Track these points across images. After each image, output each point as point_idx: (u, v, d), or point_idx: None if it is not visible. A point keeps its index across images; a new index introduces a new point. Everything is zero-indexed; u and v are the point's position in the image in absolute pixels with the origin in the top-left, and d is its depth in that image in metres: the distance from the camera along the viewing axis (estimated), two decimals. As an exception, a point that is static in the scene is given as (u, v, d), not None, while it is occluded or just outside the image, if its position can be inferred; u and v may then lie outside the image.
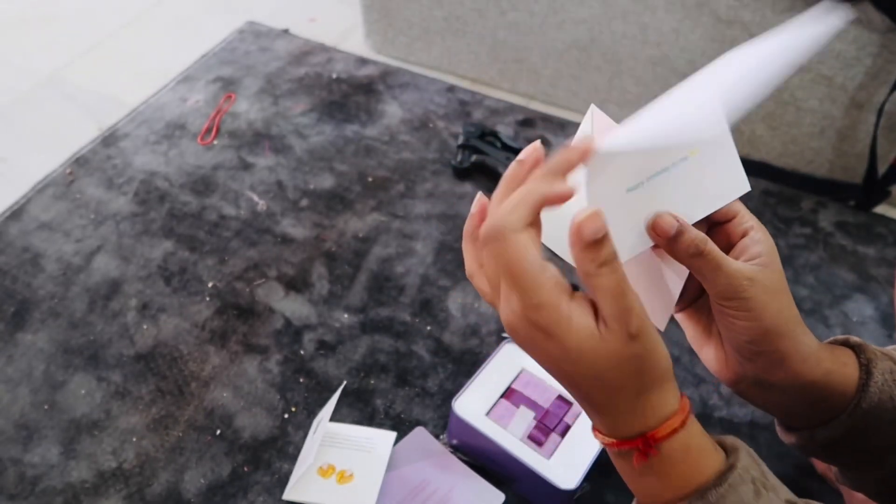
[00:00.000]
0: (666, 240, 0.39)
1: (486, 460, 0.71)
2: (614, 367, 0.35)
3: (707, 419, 0.78)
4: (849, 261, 0.96)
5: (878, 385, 0.41)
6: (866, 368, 0.41)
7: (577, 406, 0.70)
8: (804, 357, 0.40)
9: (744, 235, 0.42)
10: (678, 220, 0.39)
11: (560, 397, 0.71)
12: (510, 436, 0.68)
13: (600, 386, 0.36)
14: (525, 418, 0.69)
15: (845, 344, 0.44)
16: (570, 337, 0.35)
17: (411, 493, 0.70)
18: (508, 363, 0.73)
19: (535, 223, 0.36)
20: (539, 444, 0.67)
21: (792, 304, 0.41)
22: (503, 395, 0.71)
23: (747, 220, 0.42)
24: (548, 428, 0.68)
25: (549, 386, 0.72)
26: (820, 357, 0.41)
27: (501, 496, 0.71)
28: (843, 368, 0.41)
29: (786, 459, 0.75)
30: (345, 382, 0.80)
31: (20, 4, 1.43)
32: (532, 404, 0.70)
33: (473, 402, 0.70)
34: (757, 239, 0.41)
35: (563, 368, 0.36)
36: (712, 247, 0.39)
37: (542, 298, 0.35)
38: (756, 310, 0.39)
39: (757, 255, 0.40)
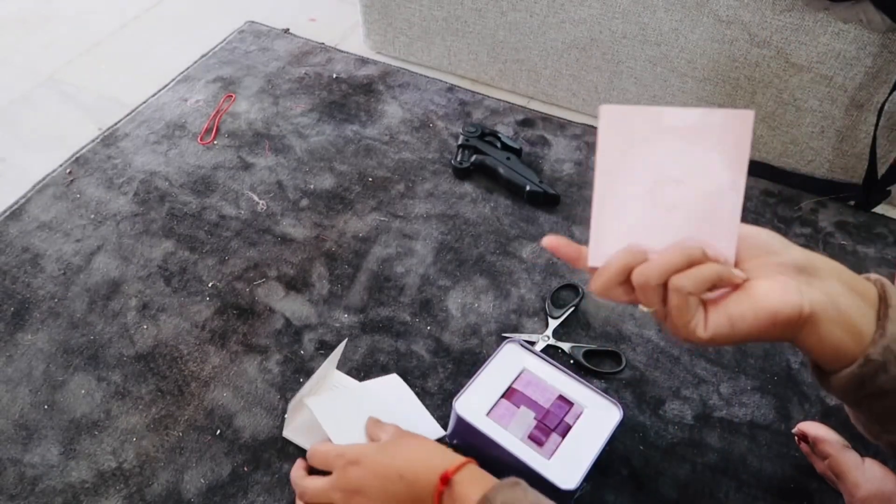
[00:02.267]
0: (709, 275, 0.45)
1: (486, 460, 0.71)
2: (392, 455, 0.61)
3: (707, 419, 0.79)
4: (849, 261, 0.96)
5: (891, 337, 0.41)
6: (885, 301, 0.43)
7: (577, 406, 0.70)
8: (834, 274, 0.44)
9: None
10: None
11: (561, 397, 0.71)
12: (510, 435, 0.68)
13: (395, 477, 0.59)
14: (525, 418, 0.69)
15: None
16: (364, 453, 0.63)
17: None
18: (509, 363, 0.73)
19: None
20: (539, 444, 0.67)
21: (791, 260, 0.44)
22: (504, 395, 0.71)
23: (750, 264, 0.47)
24: (548, 428, 0.68)
25: (549, 386, 0.71)
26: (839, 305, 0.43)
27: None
28: (860, 296, 0.43)
29: (786, 459, 0.75)
30: (346, 339, 0.81)
31: (20, 4, 1.43)
32: (532, 404, 0.70)
33: (474, 402, 0.70)
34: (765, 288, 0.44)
35: (372, 482, 0.60)
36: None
37: (340, 448, 0.65)
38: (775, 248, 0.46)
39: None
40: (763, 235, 0.46)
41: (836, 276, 0.44)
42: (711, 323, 0.44)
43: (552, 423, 0.69)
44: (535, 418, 0.69)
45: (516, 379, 0.72)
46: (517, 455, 0.66)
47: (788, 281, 0.43)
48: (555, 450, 0.67)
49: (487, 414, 0.69)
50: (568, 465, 0.65)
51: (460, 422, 0.69)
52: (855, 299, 0.43)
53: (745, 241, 0.46)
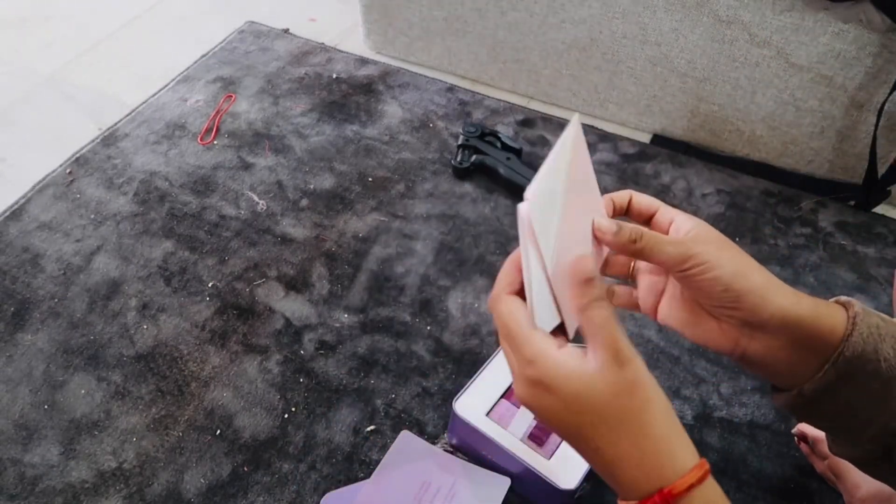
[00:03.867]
0: (610, 235, 0.43)
1: (486, 460, 0.71)
2: (612, 398, 0.37)
3: (707, 419, 0.78)
4: (849, 261, 0.96)
5: (863, 336, 0.41)
6: (853, 320, 0.42)
7: None
8: (783, 290, 0.42)
9: (670, 224, 0.45)
10: (614, 221, 0.44)
11: None
12: (510, 436, 0.68)
13: (606, 429, 0.37)
14: (525, 418, 0.69)
15: (837, 302, 0.45)
16: (566, 382, 0.37)
17: (416, 498, 0.70)
18: None
19: (520, 292, 0.41)
20: (539, 444, 0.67)
21: (746, 255, 0.43)
22: (503, 396, 0.71)
23: (669, 211, 0.46)
24: None
25: None
26: (801, 296, 0.43)
27: (507, 480, 0.71)
28: (830, 313, 0.42)
29: (786, 459, 0.75)
30: (578, 115, 0.67)
31: (20, 4, 1.43)
32: None
33: (474, 403, 0.70)
34: (682, 220, 0.44)
35: (568, 422, 0.38)
36: (648, 231, 0.43)
37: (534, 350, 0.38)
38: (712, 260, 0.41)
39: (689, 229, 0.43)
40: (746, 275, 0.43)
41: (786, 332, 0.42)
42: (661, 316, 0.46)
43: None
44: (534, 418, 0.69)
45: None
46: (517, 455, 0.66)
47: (730, 329, 0.43)
48: (554, 450, 0.67)
49: (487, 414, 0.69)
50: (568, 464, 0.65)
51: (460, 422, 0.69)
52: (798, 353, 0.43)
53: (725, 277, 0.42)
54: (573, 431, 0.39)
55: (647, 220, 0.47)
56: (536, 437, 0.68)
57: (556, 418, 0.38)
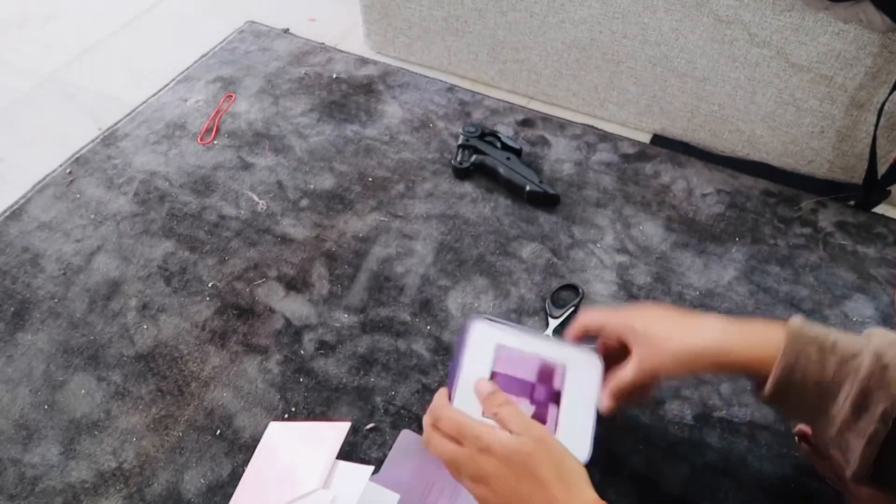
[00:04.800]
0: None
1: None
2: (527, 459, 0.51)
3: (707, 419, 0.78)
4: (849, 261, 0.96)
5: (790, 364, 0.50)
6: (782, 350, 0.51)
7: (559, 367, 0.68)
8: (707, 340, 0.56)
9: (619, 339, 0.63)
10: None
11: (542, 364, 0.68)
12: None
13: (531, 482, 0.51)
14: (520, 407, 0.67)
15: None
16: (495, 444, 0.52)
17: (420, 498, 0.70)
18: (483, 346, 0.68)
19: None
20: (542, 423, 0.64)
21: (675, 320, 0.60)
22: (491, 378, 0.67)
23: (610, 332, 0.64)
24: (543, 403, 0.66)
25: (528, 355, 0.68)
26: (729, 332, 0.56)
27: None
28: (761, 344, 0.53)
29: (785, 459, 0.75)
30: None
31: (20, 4, 1.43)
32: (521, 386, 0.66)
33: (468, 407, 0.65)
34: (628, 337, 0.61)
35: (496, 477, 0.52)
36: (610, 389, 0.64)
37: (477, 429, 0.54)
38: (662, 368, 0.59)
39: (632, 342, 0.61)
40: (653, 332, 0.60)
41: (725, 369, 0.56)
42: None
43: (544, 397, 0.66)
44: (529, 402, 0.66)
45: (496, 361, 0.68)
46: None
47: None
48: (556, 425, 0.64)
49: (484, 415, 0.68)
50: (574, 434, 0.63)
51: None
52: (746, 374, 0.55)
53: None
54: (508, 488, 0.52)
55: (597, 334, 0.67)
56: (538, 419, 0.65)
57: (500, 472, 0.52)
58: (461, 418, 0.56)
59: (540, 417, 0.65)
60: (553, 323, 0.86)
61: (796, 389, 0.50)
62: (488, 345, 0.69)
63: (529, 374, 0.68)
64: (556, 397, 0.66)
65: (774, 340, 0.51)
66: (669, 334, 0.58)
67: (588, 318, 0.66)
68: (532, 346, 0.69)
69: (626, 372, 0.60)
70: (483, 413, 0.60)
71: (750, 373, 0.54)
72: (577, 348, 0.69)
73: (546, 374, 0.67)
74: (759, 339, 0.53)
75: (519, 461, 0.51)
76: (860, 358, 0.48)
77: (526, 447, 0.52)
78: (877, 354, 0.47)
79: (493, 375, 0.68)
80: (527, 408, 0.66)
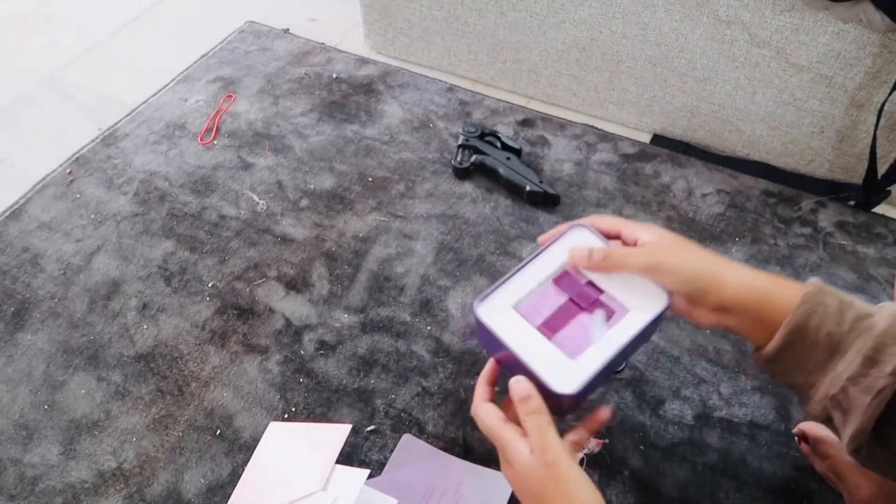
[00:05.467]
0: (584, 261, 0.56)
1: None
2: (537, 483, 0.50)
3: (707, 419, 0.78)
4: (849, 261, 0.96)
5: (808, 311, 0.49)
6: (803, 297, 0.49)
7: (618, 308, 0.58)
8: (739, 276, 0.52)
9: (636, 240, 0.56)
10: (585, 248, 0.57)
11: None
12: (526, 325, 0.56)
13: (533, 501, 0.51)
14: (551, 305, 0.58)
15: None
16: (518, 462, 0.51)
17: (420, 503, 0.70)
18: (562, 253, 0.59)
19: (492, 398, 0.57)
20: (552, 332, 0.56)
21: (703, 251, 0.54)
22: (538, 288, 0.58)
23: (632, 229, 0.57)
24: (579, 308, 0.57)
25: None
26: (757, 278, 0.52)
27: None
28: (782, 293, 0.51)
29: (785, 459, 0.75)
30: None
31: (20, 4, 1.43)
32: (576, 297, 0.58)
33: (499, 299, 0.57)
34: (645, 235, 0.56)
35: (516, 486, 0.53)
36: (615, 249, 0.56)
37: (502, 440, 0.53)
38: (671, 265, 0.53)
39: (651, 241, 0.55)
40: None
41: (745, 311, 0.52)
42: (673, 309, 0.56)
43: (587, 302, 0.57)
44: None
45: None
46: (515, 349, 0.55)
47: (708, 313, 0.54)
48: (569, 345, 0.55)
49: (515, 306, 0.57)
50: (577, 365, 0.54)
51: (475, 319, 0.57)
52: (757, 324, 0.52)
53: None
54: (519, 493, 0.53)
55: (616, 237, 0.59)
56: (547, 327, 0.56)
57: (518, 485, 0.53)
58: (489, 423, 0.54)
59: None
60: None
61: (808, 339, 0.49)
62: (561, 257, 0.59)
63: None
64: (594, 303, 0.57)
65: (795, 288, 0.50)
66: (694, 251, 0.54)
67: (605, 220, 0.59)
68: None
69: (634, 253, 0.55)
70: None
71: (761, 317, 0.50)
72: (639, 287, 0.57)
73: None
74: (780, 283, 0.52)
75: (531, 487, 0.51)
76: (876, 317, 0.48)
77: (537, 473, 0.50)
78: (893, 315, 0.48)
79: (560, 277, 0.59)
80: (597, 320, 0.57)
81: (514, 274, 0.58)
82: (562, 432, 0.52)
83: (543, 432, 0.51)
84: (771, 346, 0.50)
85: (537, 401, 0.52)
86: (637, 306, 0.57)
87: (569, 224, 0.60)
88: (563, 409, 0.55)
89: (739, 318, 0.52)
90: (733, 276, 0.52)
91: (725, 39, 1.00)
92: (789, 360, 0.50)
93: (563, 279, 0.59)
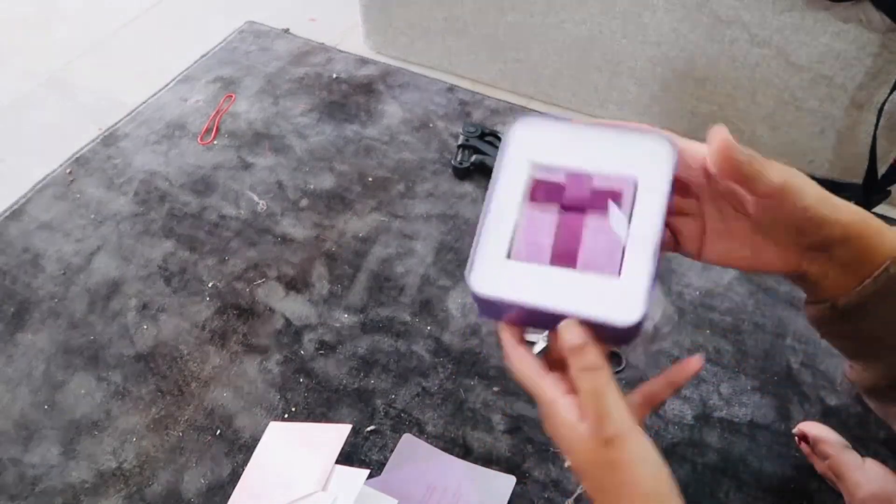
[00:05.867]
0: (735, 153, 0.41)
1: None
2: (591, 467, 0.39)
3: (707, 419, 0.78)
4: (849, 261, 0.96)
5: None
6: None
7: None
8: (847, 207, 0.43)
9: None
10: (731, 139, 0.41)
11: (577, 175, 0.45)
12: (536, 267, 0.43)
13: (588, 486, 0.40)
14: (547, 236, 0.45)
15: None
16: (559, 430, 0.40)
17: (422, 502, 0.70)
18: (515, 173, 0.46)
19: (523, 338, 0.44)
20: (570, 262, 0.43)
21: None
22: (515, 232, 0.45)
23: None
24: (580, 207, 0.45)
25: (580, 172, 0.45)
26: (858, 212, 0.43)
27: (512, 479, 0.71)
28: (880, 230, 0.42)
29: (785, 459, 0.75)
30: None
31: (20, 4, 1.43)
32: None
33: (487, 258, 0.44)
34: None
35: (564, 451, 0.41)
36: (758, 155, 0.42)
37: (541, 397, 0.41)
38: (805, 187, 0.42)
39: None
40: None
41: (845, 250, 0.42)
42: (708, 254, 0.46)
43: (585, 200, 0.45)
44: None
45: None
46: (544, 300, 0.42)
47: (792, 254, 0.44)
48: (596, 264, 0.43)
49: (508, 257, 0.44)
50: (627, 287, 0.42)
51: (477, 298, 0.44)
52: (846, 268, 0.42)
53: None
54: (574, 466, 0.41)
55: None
56: (562, 255, 0.43)
57: (566, 451, 0.41)
58: (526, 374, 0.42)
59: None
60: (553, 323, 0.85)
61: None
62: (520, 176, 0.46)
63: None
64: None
65: (889, 235, 0.42)
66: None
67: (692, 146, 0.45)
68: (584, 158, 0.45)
69: (774, 164, 0.43)
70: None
71: (866, 251, 0.41)
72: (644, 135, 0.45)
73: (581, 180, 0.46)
74: (876, 228, 0.43)
75: (580, 464, 0.40)
76: None
77: (590, 451, 0.38)
78: None
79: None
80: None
81: (485, 219, 0.45)
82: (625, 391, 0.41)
83: (601, 396, 0.38)
84: (854, 296, 0.41)
85: (593, 353, 0.39)
86: (640, 167, 0.43)
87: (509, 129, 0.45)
88: (628, 340, 0.43)
89: (833, 259, 0.42)
90: (844, 206, 0.43)
91: (725, 39, 1.00)
92: (874, 313, 0.41)
93: (537, 190, 0.45)
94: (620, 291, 0.40)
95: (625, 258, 0.41)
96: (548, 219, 0.44)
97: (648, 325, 0.44)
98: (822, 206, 0.42)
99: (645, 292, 0.40)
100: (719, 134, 0.41)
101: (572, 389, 0.40)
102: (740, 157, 0.40)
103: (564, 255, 0.43)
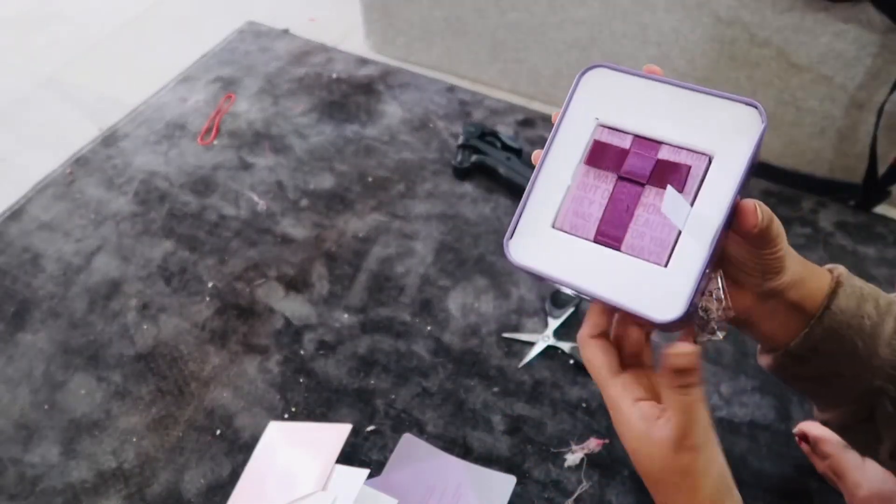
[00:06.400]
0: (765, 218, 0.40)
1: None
2: (659, 472, 0.40)
3: (707, 419, 0.78)
4: (849, 261, 0.96)
5: (846, 293, 0.43)
6: (836, 279, 0.44)
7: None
8: (793, 254, 0.44)
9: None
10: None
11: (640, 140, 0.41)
12: (582, 242, 0.40)
13: (654, 492, 0.41)
14: (598, 205, 0.40)
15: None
16: (628, 436, 0.40)
17: (422, 503, 0.70)
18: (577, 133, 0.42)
19: (604, 330, 0.42)
20: (616, 242, 0.40)
21: None
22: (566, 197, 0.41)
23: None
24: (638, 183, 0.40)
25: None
26: (797, 258, 0.44)
27: (513, 479, 0.71)
28: (816, 274, 0.44)
29: (786, 459, 0.75)
30: None
31: (20, 4, 1.43)
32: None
33: (529, 229, 0.41)
34: None
35: (626, 446, 0.41)
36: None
37: (609, 398, 0.41)
38: (784, 238, 0.42)
39: None
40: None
41: (789, 295, 0.44)
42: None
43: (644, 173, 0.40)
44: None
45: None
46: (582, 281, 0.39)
47: (747, 297, 0.44)
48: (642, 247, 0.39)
49: (553, 225, 0.41)
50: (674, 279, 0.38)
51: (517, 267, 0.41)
52: (789, 313, 0.45)
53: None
54: (636, 463, 0.41)
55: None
56: (607, 234, 0.40)
57: (630, 449, 0.41)
58: (596, 373, 0.41)
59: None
60: (553, 323, 0.86)
61: (848, 327, 0.42)
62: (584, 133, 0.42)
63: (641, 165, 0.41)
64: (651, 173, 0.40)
65: (825, 277, 0.44)
66: None
67: None
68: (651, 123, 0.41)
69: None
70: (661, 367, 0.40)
71: (803, 298, 0.43)
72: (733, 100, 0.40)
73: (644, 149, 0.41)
74: (811, 272, 0.44)
75: (643, 462, 0.40)
76: None
77: (662, 457, 0.39)
78: None
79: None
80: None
81: (536, 179, 0.41)
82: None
83: (691, 413, 0.38)
84: (805, 339, 0.43)
85: (697, 375, 0.39)
86: (720, 144, 0.38)
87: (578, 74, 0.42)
88: (670, 329, 0.40)
89: (779, 303, 0.43)
90: (792, 254, 0.44)
91: (725, 39, 1.00)
92: (826, 353, 0.43)
93: (597, 153, 0.41)
94: (663, 284, 0.37)
95: (677, 246, 0.38)
96: (602, 188, 0.40)
97: (703, 315, 0.41)
98: (787, 252, 0.43)
99: (691, 288, 0.37)
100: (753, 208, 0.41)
101: (642, 396, 0.41)
102: (767, 218, 0.40)
103: (611, 233, 0.39)
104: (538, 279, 0.41)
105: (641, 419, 0.39)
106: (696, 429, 0.38)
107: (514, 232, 0.40)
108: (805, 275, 0.44)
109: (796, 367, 0.45)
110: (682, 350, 0.39)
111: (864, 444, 0.48)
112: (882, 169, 0.98)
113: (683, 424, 0.38)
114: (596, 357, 0.41)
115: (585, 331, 0.42)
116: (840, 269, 0.45)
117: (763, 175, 1.07)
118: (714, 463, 0.40)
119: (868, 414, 0.45)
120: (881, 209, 1.04)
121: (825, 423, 0.50)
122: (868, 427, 0.46)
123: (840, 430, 0.48)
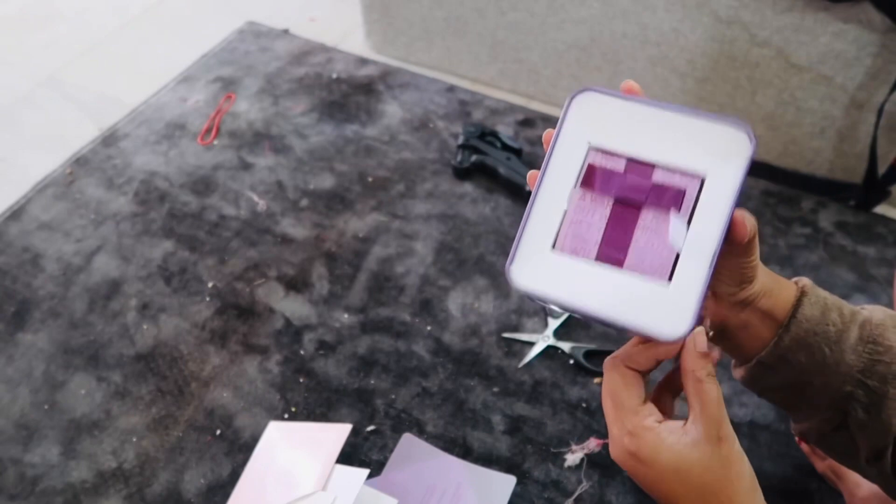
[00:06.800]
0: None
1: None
2: (704, 471, 0.39)
3: (707, 419, 0.79)
4: (849, 261, 0.96)
5: (811, 302, 0.45)
6: (801, 290, 0.46)
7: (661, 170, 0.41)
8: (761, 267, 0.46)
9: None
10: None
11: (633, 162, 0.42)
12: (584, 263, 0.41)
13: (696, 499, 0.40)
14: (598, 227, 0.41)
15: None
16: (664, 457, 0.39)
17: (420, 503, 0.70)
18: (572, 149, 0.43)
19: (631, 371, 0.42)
20: (617, 262, 0.40)
21: None
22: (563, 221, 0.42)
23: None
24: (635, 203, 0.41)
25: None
26: (766, 271, 0.46)
27: (513, 479, 0.71)
28: (783, 286, 0.46)
29: (785, 459, 0.75)
30: None
31: (20, 4, 1.43)
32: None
33: (530, 251, 0.42)
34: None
35: (662, 491, 0.40)
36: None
37: (636, 424, 0.40)
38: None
39: None
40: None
41: (759, 305, 0.46)
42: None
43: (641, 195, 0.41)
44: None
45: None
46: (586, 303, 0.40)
47: (722, 308, 0.46)
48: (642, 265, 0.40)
49: (553, 247, 0.41)
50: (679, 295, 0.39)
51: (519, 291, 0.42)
52: (760, 324, 0.46)
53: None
54: (666, 500, 0.41)
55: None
56: (608, 255, 0.40)
57: (652, 487, 0.41)
58: (624, 397, 0.41)
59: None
60: (553, 323, 0.86)
61: (814, 335, 0.44)
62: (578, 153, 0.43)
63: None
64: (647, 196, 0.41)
65: (791, 289, 0.46)
66: None
67: None
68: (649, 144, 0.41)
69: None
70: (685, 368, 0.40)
71: (773, 308, 0.45)
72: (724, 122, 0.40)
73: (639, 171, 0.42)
74: (778, 284, 0.46)
75: (706, 477, 0.40)
76: (867, 310, 0.47)
77: (704, 457, 0.39)
78: (880, 307, 0.47)
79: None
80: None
81: (533, 204, 0.42)
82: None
83: (720, 402, 0.39)
84: (774, 349, 0.45)
85: (713, 361, 0.40)
86: (709, 162, 0.40)
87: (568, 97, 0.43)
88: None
89: (751, 314, 0.45)
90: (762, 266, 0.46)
91: (725, 39, 1.00)
92: (795, 361, 0.45)
93: (592, 177, 0.41)
94: (669, 301, 0.38)
95: (678, 265, 0.39)
96: (599, 210, 0.41)
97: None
98: (759, 267, 0.45)
99: (696, 304, 0.37)
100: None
101: (663, 411, 0.42)
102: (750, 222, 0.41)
103: (612, 255, 0.40)
104: (543, 303, 0.42)
105: (671, 434, 0.40)
106: (726, 420, 0.40)
107: (514, 257, 0.41)
108: (773, 286, 0.46)
109: (768, 377, 0.47)
110: (701, 332, 0.40)
111: (843, 453, 0.49)
112: (882, 169, 0.98)
113: (715, 415, 0.39)
114: (632, 385, 0.41)
115: (622, 358, 0.41)
116: (805, 281, 0.47)
117: (763, 175, 1.07)
118: (745, 459, 0.41)
119: (841, 420, 0.46)
120: (881, 209, 1.04)
121: (802, 436, 0.51)
122: (843, 435, 0.47)
123: (818, 441, 0.49)
